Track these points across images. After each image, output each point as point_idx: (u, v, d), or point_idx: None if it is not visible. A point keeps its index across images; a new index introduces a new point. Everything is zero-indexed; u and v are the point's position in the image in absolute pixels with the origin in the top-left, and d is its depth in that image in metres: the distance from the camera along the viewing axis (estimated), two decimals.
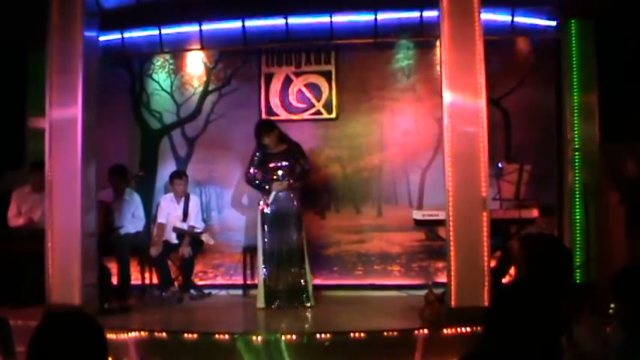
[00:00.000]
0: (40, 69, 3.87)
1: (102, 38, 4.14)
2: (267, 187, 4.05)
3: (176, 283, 4.48)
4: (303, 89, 4.81)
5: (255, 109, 4.80)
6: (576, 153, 4.21)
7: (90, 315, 1.36)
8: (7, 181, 4.50)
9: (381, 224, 4.71)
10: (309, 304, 3.93)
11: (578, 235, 4.12)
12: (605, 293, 2.79)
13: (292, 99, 4.82)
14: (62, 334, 1.29)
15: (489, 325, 1.37)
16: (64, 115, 3.57)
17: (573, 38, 4.22)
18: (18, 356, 2.72)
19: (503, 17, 4.47)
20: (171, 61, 4.96)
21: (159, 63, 4.97)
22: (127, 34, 4.78)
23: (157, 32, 4.77)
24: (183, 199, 4.55)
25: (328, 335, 3.15)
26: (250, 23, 4.69)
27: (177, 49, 4.86)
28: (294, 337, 3.15)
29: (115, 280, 4.19)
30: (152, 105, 4.98)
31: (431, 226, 4.11)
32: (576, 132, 4.23)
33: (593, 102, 4.19)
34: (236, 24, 4.69)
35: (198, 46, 4.81)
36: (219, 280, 4.78)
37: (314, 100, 4.80)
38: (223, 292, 4.64)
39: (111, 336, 3.10)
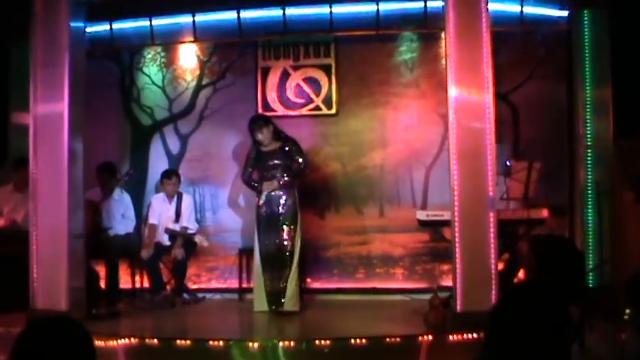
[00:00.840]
0: (23, 62, 3.85)
1: (89, 29, 4.13)
2: (259, 187, 4.04)
3: (168, 287, 4.48)
4: (302, 84, 4.80)
5: (252, 105, 4.79)
6: (588, 150, 4.20)
7: (77, 321, 1.35)
8: None
9: (384, 225, 4.71)
10: (284, 309, 3.87)
11: (590, 236, 4.12)
12: (619, 298, 2.79)
13: (290, 94, 4.81)
14: (47, 341, 1.27)
15: (492, 330, 1.35)
16: (50, 111, 3.56)
17: (586, 29, 4.21)
18: None
19: (511, 7, 4.45)
20: (162, 54, 4.94)
21: (150, 56, 4.95)
22: (115, 25, 4.76)
23: (147, 23, 4.75)
24: (175, 198, 4.55)
25: (328, 341, 3.16)
26: (246, 14, 4.68)
27: (169, 41, 4.84)
28: (292, 343, 3.15)
29: (103, 284, 4.18)
30: (143, 100, 4.97)
31: (435, 227, 4.11)
32: (588, 128, 4.22)
33: (607, 96, 4.18)
34: (231, 15, 4.68)
35: (192, 38, 4.78)
36: (214, 284, 4.78)
37: (313, 95, 4.80)
38: (218, 297, 4.64)
39: (99, 343, 3.09)
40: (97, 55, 4.68)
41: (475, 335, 3.09)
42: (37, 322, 1.31)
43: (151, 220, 4.54)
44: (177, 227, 4.51)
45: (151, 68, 4.95)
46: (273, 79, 4.81)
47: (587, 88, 4.22)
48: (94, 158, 4.28)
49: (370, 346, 3.13)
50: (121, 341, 3.20)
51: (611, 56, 4.17)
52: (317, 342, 3.15)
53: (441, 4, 3.57)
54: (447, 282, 4.13)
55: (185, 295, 4.46)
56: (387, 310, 4.12)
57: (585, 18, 4.21)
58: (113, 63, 4.96)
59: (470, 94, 3.36)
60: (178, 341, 3.21)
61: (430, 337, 3.19)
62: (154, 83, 4.96)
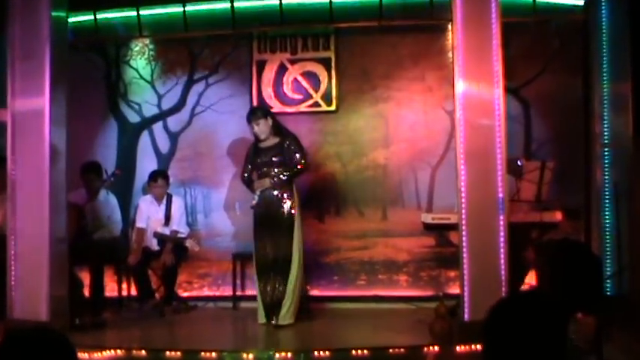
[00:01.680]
0: (0, 54, 3.84)
1: (71, 19, 4.10)
2: (252, 185, 3.99)
3: (157, 295, 4.46)
4: (300, 78, 4.80)
5: (246, 101, 4.78)
6: (606, 148, 4.18)
7: (59, 332, 1.34)
8: None
9: (386, 229, 4.70)
10: (282, 323, 3.81)
11: (607, 241, 4.09)
12: (638, 307, 2.76)
13: (287, 89, 4.80)
14: (26, 354, 1.26)
15: (484, 342, 1.37)
16: (29, 107, 3.56)
17: (603, 18, 4.18)
18: None
19: None
20: (151, 47, 4.93)
21: (137, 48, 4.93)
22: (100, 15, 4.74)
23: (134, 13, 4.73)
24: (165, 200, 4.54)
25: (327, 352, 3.17)
26: (240, 4, 4.66)
27: (158, 32, 4.83)
28: (289, 354, 3.16)
29: (87, 292, 4.17)
30: (130, 95, 4.96)
31: (442, 231, 4.16)
32: (606, 125, 4.20)
33: (626, 91, 4.14)
34: (224, 4, 4.66)
35: (182, 30, 4.77)
36: (206, 292, 4.78)
37: (311, 91, 4.79)
38: (210, 305, 4.62)
39: (83, 355, 3.10)
40: (80, 47, 4.68)
41: None
42: (15, 333, 1.30)
43: (139, 224, 4.53)
44: (166, 231, 4.51)
45: (139, 61, 4.94)
46: (269, 73, 4.81)
47: (605, 82, 4.19)
48: (78, 157, 4.27)
49: (372, 358, 3.14)
50: (107, 353, 3.21)
51: (630, 48, 4.13)
52: (316, 353, 3.16)
53: None
54: (454, 289, 4.14)
55: (175, 304, 4.45)
56: (390, 319, 4.11)
57: (603, 7, 4.19)
58: (98, 55, 4.95)
59: (478, 89, 3.37)
60: (168, 353, 3.21)
61: (436, 347, 3.21)
62: (141, 77, 4.95)
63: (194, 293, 4.76)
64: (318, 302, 4.51)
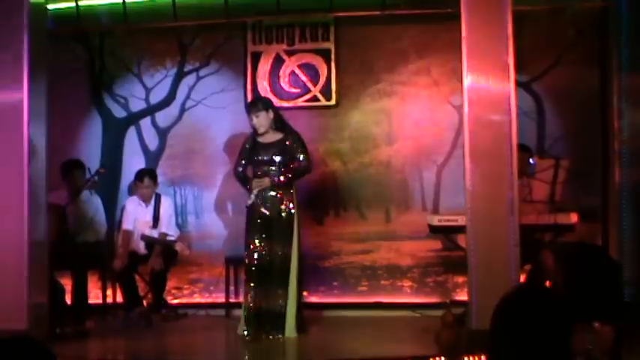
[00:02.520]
0: None
1: (51, 6, 4.10)
2: (249, 185, 3.91)
3: (144, 302, 4.44)
4: (297, 71, 4.79)
5: (240, 95, 4.78)
6: (624, 146, 4.17)
7: (39, 341, 1.32)
8: None
9: (390, 231, 4.70)
10: (283, 335, 3.74)
11: (626, 244, 4.09)
12: None
13: (284, 82, 4.80)
14: None
15: (490, 337, 1.41)
16: (6, 100, 3.53)
17: (623, 7, 4.18)
18: None
19: None
20: (138, 36, 4.90)
21: (123, 38, 4.91)
22: (82, 2, 4.72)
23: (120, 0, 4.72)
24: (153, 201, 4.53)
25: None
26: None
27: (145, 21, 4.80)
28: None
29: (69, 299, 4.15)
30: (115, 89, 4.95)
31: (448, 234, 4.10)
32: (624, 120, 4.19)
33: None
34: None
35: (171, 19, 4.75)
36: (197, 298, 4.77)
37: (310, 85, 4.79)
38: (202, 313, 4.61)
39: None
40: (61, 36, 4.65)
41: None
42: None
43: (125, 226, 4.51)
44: (154, 233, 4.48)
45: (125, 52, 4.93)
46: (264, 65, 4.80)
47: (624, 74, 4.19)
48: (59, 155, 4.26)
49: None
50: None
51: None
52: None
53: None
54: (462, 296, 4.13)
55: (164, 312, 4.43)
56: (394, 327, 4.10)
57: None
58: (80, 45, 4.94)
59: (488, 83, 3.36)
60: None
61: (442, 358, 3.17)
62: (128, 70, 4.94)
63: (184, 300, 4.74)
64: (316, 310, 4.50)
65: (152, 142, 4.91)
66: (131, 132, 4.93)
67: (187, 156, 4.85)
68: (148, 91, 4.93)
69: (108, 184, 4.76)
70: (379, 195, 4.71)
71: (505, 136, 3.33)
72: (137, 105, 4.93)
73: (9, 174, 3.50)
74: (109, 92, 4.95)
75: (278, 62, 4.78)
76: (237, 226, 4.58)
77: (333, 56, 4.74)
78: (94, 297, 4.40)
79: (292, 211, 3.82)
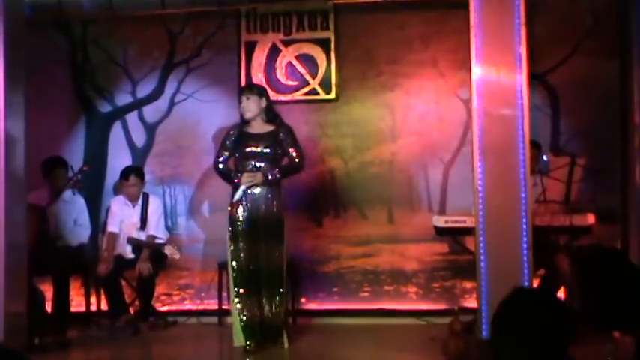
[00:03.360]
0: None
1: None
2: (236, 179, 3.76)
3: (131, 310, 4.43)
4: (295, 62, 4.78)
5: (233, 87, 4.74)
6: None
7: (16, 352, 1.32)
8: None
9: (393, 233, 4.69)
10: (283, 344, 3.70)
11: None
12: None
13: (280, 74, 4.77)
14: None
15: (491, 338, 1.48)
16: None
17: None
18: None
19: None
20: (123, 25, 4.89)
21: (107, 27, 4.90)
22: None
23: None
24: (140, 202, 4.51)
25: None
26: None
27: (131, 8, 4.78)
28: None
29: (50, 307, 4.13)
30: (99, 81, 4.93)
31: (456, 236, 4.10)
32: None
33: None
34: None
35: (159, 6, 4.72)
36: (188, 305, 4.77)
37: (308, 77, 4.76)
38: (193, 320, 4.61)
39: None
40: (40, 24, 4.63)
41: None
42: None
43: (111, 228, 4.50)
44: (142, 236, 4.48)
45: (110, 42, 4.91)
46: (259, 56, 4.78)
47: None
48: (39, 152, 4.23)
49: None
50: None
51: None
52: None
53: None
54: (471, 303, 4.16)
55: (152, 319, 4.42)
56: (398, 336, 4.10)
57: None
58: (61, 34, 4.90)
59: (498, 75, 3.35)
60: None
61: None
62: (113, 61, 4.91)
63: (174, 307, 4.73)
64: (315, 317, 4.51)
65: (139, 138, 4.89)
66: (116, 127, 4.91)
67: (177, 153, 4.84)
68: (134, 83, 4.91)
69: (92, 183, 4.73)
70: (382, 195, 4.70)
71: (517, 131, 3.32)
72: (123, 98, 4.91)
73: None
74: (92, 85, 4.93)
75: (274, 53, 4.76)
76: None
77: (332, 46, 4.72)
78: (77, 305, 4.38)
79: (282, 213, 3.74)
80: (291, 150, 3.76)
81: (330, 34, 4.73)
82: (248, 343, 3.67)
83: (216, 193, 4.78)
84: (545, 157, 3.96)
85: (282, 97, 4.72)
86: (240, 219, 3.72)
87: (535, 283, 3.54)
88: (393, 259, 4.66)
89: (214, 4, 4.64)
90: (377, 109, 4.72)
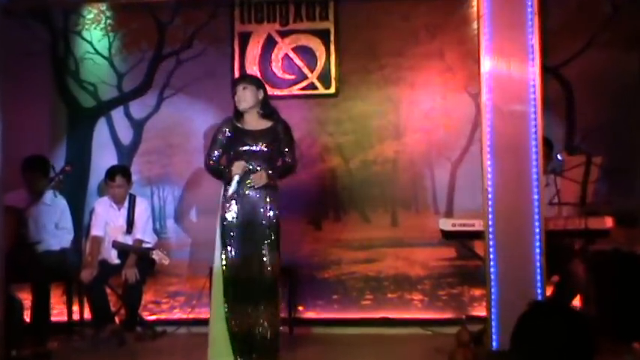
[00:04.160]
0: None
1: None
2: (226, 172, 3.63)
3: (117, 319, 4.43)
4: (292, 55, 4.78)
5: (226, 81, 4.67)
6: None
7: None
8: None
9: (397, 237, 4.70)
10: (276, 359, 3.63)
11: None
12: None
13: (276, 68, 4.78)
14: None
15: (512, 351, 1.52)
16: None
17: None
18: None
19: None
20: (108, 14, 4.90)
21: (91, 16, 4.90)
22: None
23: None
24: (126, 203, 4.50)
25: None
26: None
27: None
28: None
29: (28, 317, 4.13)
30: (83, 74, 4.93)
31: (464, 240, 4.07)
32: None
33: None
34: None
35: None
36: (178, 314, 4.76)
37: (306, 70, 4.77)
38: (183, 331, 4.60)
39: None
40: (18, 12, 4.62)
41: None
42: None
43: (95, 232, 4.48)
44: (128, 240, 4.47)
45: (94, 32, 4.90)
46: (254, 48, 4.78)
47: None
48: (18, 151, 4.17)
49: None
50: None
51: None
52: None
53: None
54: (479, 311, 4.19)
55: (139, 330, 4.42)
56: (402, 347, 4.09)
57: None
58: (41, 24, 4.89)
59: (509, 68, 3.35)
60: None
61: None
62: (97, 52, 4.91)
63: (162, 316, 4.74)
64: (313, 327, 4.51)
65: (125, 136, 4.89)
66: (101, 124, 4.91)
67: (166, 151, 4.84)
68: (120, 76, 4.90)
69: (75, 183, 4.72)
70: (385, 196, 4.71)
71: (529, 128, 3.32)
72: (108, 93, 4.90)
73: None
74: (75, 78, 4.92)
75: (269, 44, 4.76)
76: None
77: (332, 38, 4.72)
78: (58, 314, 4.38)
79: (277, 217, 3.64)
80: (285, 150, 3.68)
81: (330, 25, 4.73)
82: (238, 358, 3.58)
83: (208, 194, 4.74)
84: (559, 156, 3.95)
85: (278, 92, 4.71)
86: (232, 222, 3.63)
87: (548, 291, 3.53)
88: (396, 265, 4.66)
89: None
90: (380, 104, 4.72)
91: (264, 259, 3.63)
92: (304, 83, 4.76)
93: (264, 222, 3.63)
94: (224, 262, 3.63)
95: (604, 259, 3.70)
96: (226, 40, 4.78)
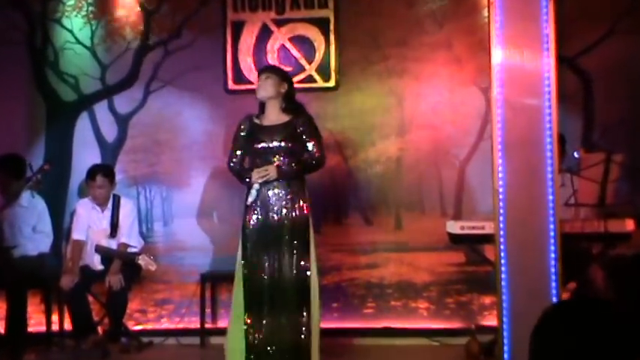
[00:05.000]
0: None
1: None
2: (247, 179, 3.61)
3: (100, 329, 4.41)
4: (288, 45, 4.78)
5: (218, 73, 4.77)
6: None
7: None
8: None
9: (401, 241, 4.70)
10: None
11: None
12: None
13: (272, 59, 4.77)
14: None
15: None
16: None
17: None
18: None
19: None
20: (90, 1, 4.90)
21: (72, 2, 4.89)
22: None
23: None
24: (110, 205, 4.47)
25: None
26: None
27: None
28: None
29: (3, 327, 4.14)
30: (63, 65, 4.91)
31: (473, 244, 4.07)
32: None
33: None
34: None
35: None
36: (166, 324, 4.76)
37: (304, 61, 4.77)
38: (171, 341, 4.59)
39: None
40: None
41: None
42: None
43: (76, 235, 4.45)
44: (113, 244, 4.45)
45: (74, 21, 4.88)
46: (247, 38, 4.78)
47: None
48: None
49: None
50: None
51: None
52: None
53: None
54: (490, 321, 4.14)
55: (124, 340, 4.40)
56: (407, 359, 4.11)
57: None
58: (17, 12, 4.88)
59: (522, 59, 3.30)
60: None
61: None
62: (78, 42, 4.90)
63: (149, 326, 4.72)
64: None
65: (109, 132, 4.87)
66: (83, 119, 4.89)
67: (153, 149, 4.83)
68: (103, 68, 4.89)
69: (54, 183, 4.70)
70: (388, 197, 4.71)
71: (543, 124, 3.27)
72: (90, 86, 4.89)
73: None
74: (54, 70, 4.90)
75: (265, 34, 4.76)
76: (216, 234, 4.58)
77: (331, 27, 4.72)
78: (36, 324, 4.37)
79: (306, 212, 3.59)
80: (308, 143, 3.60)
81: (329, 13, 4.72)
82: None
83: (198, 194, 4.82)
84: (575, 154, 3.97)
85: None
86: (254, 225, 3.57)
87: (565, 298, 3.50)
88: (400, 271, 4.66)
89: None
90: (382, 98, 4.72)
91: (292, 264, 3.55)
92: (302, 76, 4.72)
93: (287, 223, 3.56)
94: (243, 270, 3.56)
95: (625, 265, 3.68)
96: (218, 29, 4.78)
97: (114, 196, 4.49)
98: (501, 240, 3.28)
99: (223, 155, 4.52)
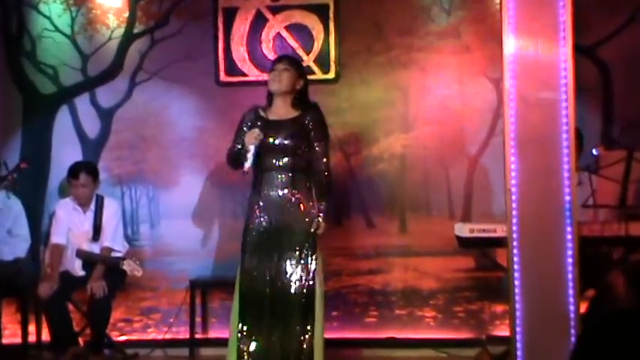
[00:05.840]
0: None
1: None
2: (243, 150, 3.54)
3: (81, 340, 4.39)
4: (285, 34, 4.80)
5: (208, 64, 4.78)
6: None
7: None
8: None
9: (406, 245, 4.71)
10: None
11: None
12: None
13: (267, 49, 4.78)
14: None
15: None
16: None
17: None
18: None
19: None
20: None
21: None
22: None
23: None
24: (92, 206, 4.46)
25: None
26: None
27: None
28: None
29: None
30: (40, 55, 4.92)
31: (484, 248, 4.10)
32: None
33: None
34: None
35: None
36: (152, 334, 4.78)
37: (301, 52, 4.77)
38: (158, 353, 4.60)
39: None
40: None
41: None
42: None
43: (56, 239, 4.43)
44: (95, 248, 4.44)
45: (53, 7, 4.88)
46: (241, 26, 4.79)
47: None
48: None
49: None
50: None
51: None
52: None
53: None
54: (502, 331, 4.18)
55: (107, 352, 4.42)
56: None
57: None
58: None
59: (537, 49, 3.29)
60: None
61: None
62: (57, 30, 4.90)
63: (135, 337, 4.74)
64: None
65: (91, 127, 4.88)
66: (63, 113, 4.89)
67: (139, 145, 4.85)
68: (84, 58, 4.89)
69: (32, 183, 4.72)
70: (392, 197, 4.73)
71: (559, 119, 3.26)
72: (71, 77, 4.89)
73: None
74: (31, 60, 4.91)
75: (259, 22, 4.77)
76: (206, 238, 4.54)
77: (331, 14, 4.72)
78: (11, 335, 4.39)
79: (314, 214, 3.57)
80: (316, 143, 3.57)
81: (329, 0, 4.72)
82: None
83: (187, 194, 4.82)
84: (594, 151, 3.96)
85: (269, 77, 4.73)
86: (256, 228, 3.57)
87: (582, 307, 3.48)
88: (405, 277, 4.68)
89: None
90: (386, 91, 4.73)
91: (296, 270, 3.55)
92: None
93: (294, 227, 3.56)
94: (243, 276, 3.56)
95: None
96: (209, 16, 4.79)
97: (97, 196, 4.46)
98: (514, 244, 3.27)
99: (214, 152, 4.55)
